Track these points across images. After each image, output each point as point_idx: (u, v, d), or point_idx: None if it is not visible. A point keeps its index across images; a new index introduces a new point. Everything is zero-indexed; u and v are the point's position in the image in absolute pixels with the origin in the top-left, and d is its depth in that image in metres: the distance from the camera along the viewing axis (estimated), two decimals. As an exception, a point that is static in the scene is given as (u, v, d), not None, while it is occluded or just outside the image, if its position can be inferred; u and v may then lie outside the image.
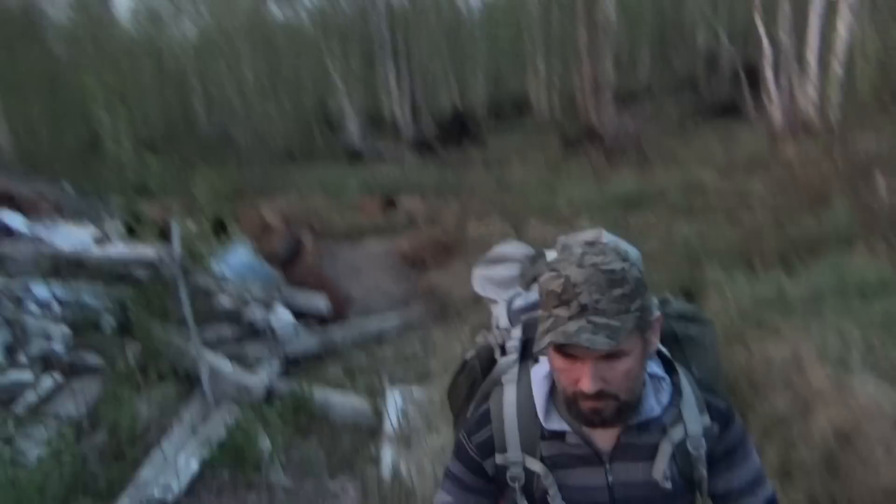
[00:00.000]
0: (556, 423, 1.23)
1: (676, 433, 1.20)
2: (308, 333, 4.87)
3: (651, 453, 1.20)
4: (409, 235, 7.81)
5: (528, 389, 1.26)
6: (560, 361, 1.12)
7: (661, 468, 1.19)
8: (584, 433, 1.21)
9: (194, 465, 2.90)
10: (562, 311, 1.08)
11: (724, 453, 1.23)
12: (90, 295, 4.12)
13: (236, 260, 4.99)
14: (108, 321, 4.06)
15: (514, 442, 1.25)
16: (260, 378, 3.79)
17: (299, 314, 5.01)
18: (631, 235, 5.54)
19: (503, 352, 1.37)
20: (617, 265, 1.09)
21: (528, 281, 1.49)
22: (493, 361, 1.40)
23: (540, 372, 1.25)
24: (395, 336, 5.29)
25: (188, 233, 5.35)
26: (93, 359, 3.66)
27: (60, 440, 2.81)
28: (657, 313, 1.17)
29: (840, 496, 3.05)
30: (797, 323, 4.31)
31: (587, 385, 1.08)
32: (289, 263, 6.38)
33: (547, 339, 1.07)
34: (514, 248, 1.61)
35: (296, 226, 8.20)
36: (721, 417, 1.24)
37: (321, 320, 5.27)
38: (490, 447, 1.26)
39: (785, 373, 3.96)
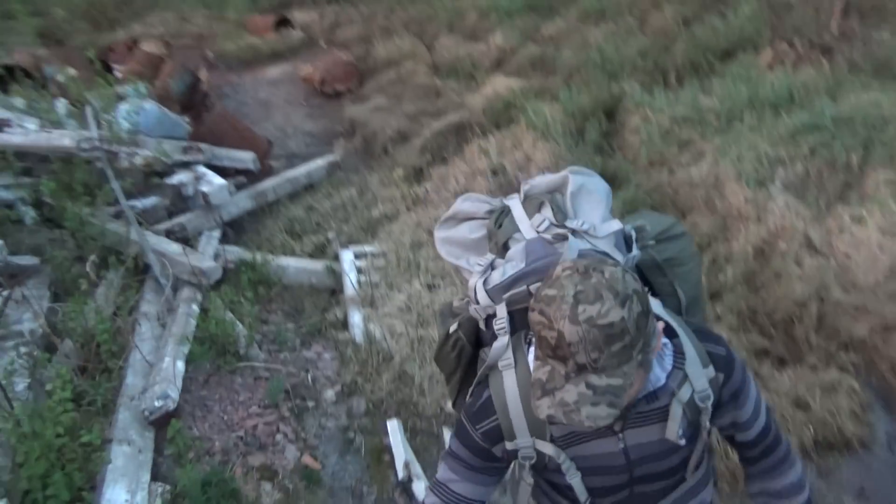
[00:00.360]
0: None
1: (684, 393, 1.21)
2: (240, 193, 4.70)
3: (662, 415, 1.22)
4: (313, 59, 7.28)
5: (526, 375, 1.22)
6: None
7: (674, 430, 1.21)
8: None
9: (181, 367, 2.93)
10: (558, 366, 1.03)
11: (730, 396, 1.29)
12: (-4, 186, 3.74)
13: (145, 118, 4.55)
14: (29, 213, 3.74)
15: (521, 428, 1.24)
16: (213, 260, 3.70)
17: (223, 171, 4.77)
18: (545, 45, 5.44)
19: (486, 325, 1.34)
20: (615, 315, 1.00)
21: (498, 244, 1.39)
22: (478, 332, 1.39)
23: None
24: (326, 181, 5.20)
25: (72, 82, 4.74)
26: (29, 260, 3.43)
27: (32, 364, 2.73)
28: (660, 324, 1.14)
29: (760, 310, 3.54)
30: (715, 141, 4.58)
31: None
32: (189, 105, 5.88)
33: (546, 410, 1.03)
34: (473, 204, 1.49)
35: (185, 55, 7.41)
36: (724, 365, 1.27)
37: (246, 173, 5.06)
38: (498, 435, 1.25)
39: (706, 194, 4.31)
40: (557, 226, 1.33)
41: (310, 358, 3.51)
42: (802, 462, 1.43)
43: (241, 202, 4.64)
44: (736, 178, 4.22)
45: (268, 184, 4.95)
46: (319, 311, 3.84)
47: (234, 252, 4.01)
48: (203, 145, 4.68)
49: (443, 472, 1.34)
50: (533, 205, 1.39)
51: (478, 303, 1.33)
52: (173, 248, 3.69)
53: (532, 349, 1.21)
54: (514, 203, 1.42)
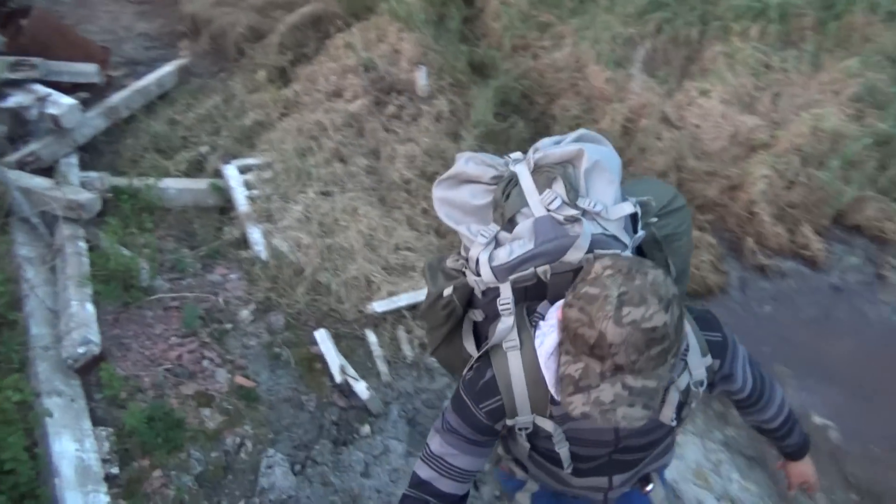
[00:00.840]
0: None
1: (682, 381, 1.26)
2: (89, 112, 4.25)
3: None
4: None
5: (532, 356, 1.24)
6: None
7: (668, 415, 1.27)
8: None
9: (91, 308, 2.78)
10: (594, 364, 1.04)
11: (722, 377, 1.38)
12: None
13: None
14: None
15: (524, 407, 1.26)
16: (89, 192, 3.41)
17: (58, 87, 4.26)
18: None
19: (483, 294, 1.35)
20: (659, 320, 1.01)
21: (504, 217, 1.34)
22: (471, 297, 1.39)
23: (546, 349, 1.22)
24: (183, 90, 4.82)
25: None
26: None
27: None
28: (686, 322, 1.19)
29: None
30: (572, 23, 4.79)
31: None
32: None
33: (580, 408, 1.04)
34: (477, 167, 1.41)
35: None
36: (720, 351, 1.34)
37: (86, 88, 4.55)
38: (501, 414, 1.28)
39: (570, 77, 4.56)
40: (569, 205, 1.28)
41: (216, 281, 3.44)
42: (780, 384, 1.61)
43: (94, 122, 4.20)
44: (595, 60, 4.49)
45: (116, 98, 4.49)
46: (213, 232, 3.72)
47: (106, 179, 3.70)
48: (34, 59, 4.12)
49: (439, 446, 1.35)
50: (543, 177, 1.33)
51: (478, 275, 1.31)
52: (38, 182, 3.34)
53: (538, 331, 1.24)
54: (522, 172, 1.35)
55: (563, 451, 1.31)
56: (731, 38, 4.38)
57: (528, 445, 1.35)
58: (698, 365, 1.28)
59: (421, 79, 4.49)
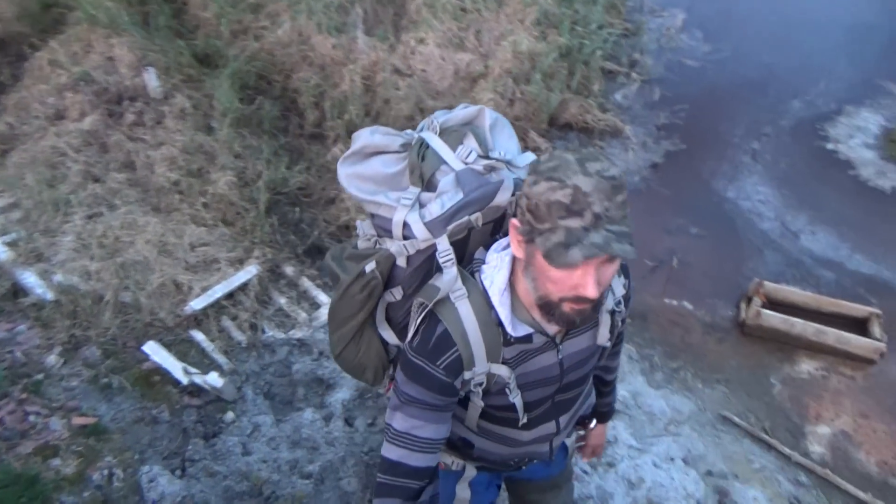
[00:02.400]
0: (522, 329, 1.30)
1: (609, 301, 1.36)
2: None
3: (592, 324, 1.37)
4: None
5: (481, 302, 1.27)
6: (556, 273, 1.14)
7: (605, 335, 1.38)
8: (544, 329, 1.30)
9: None
10: (573, 223, 1.08)
11: (627, 299, 1.45)
12: None
13: None
14: None
15: (480, 355, 1.28)
16: None
17: None
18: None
19: (407, 262, 1.35)
20: (615, 170, 1.10)
21: (424, 178, 1.35)
22: (391, 271, 1.37)
23: (499, 286, 1.27)
24: None
25: None
26: None
27: None
28: None
29: (380, 119, 4.32)
30: (283, 2, 4.98)
31: (593, 292, 1.13)
32: None
33: (579, 255, 1.07)
34: (383, 138, 1.41)
35: None
36: (627, 272, 1.45)
37: None
38: (459, 366, 1.28)
39: (299, 51, 4.79)
40: (484, 157, 1.34)
41: (4, 338, 3.14)
42: None
43: None
44: (318, 31, 4.77)
45: None
46: (-27, 290, 3.34)
47: None
48: None
49: (401, 422, 1.33)
50: (453, 136, 1.37)
51: (404, 238, 1.32)
52: None
53: (482, 275, 1.28)
54: (430, 136, 1.38)
55: (517, 400, 1.36)
56: (426, -10, 4.96)
57: (482, 404, 1.39)
58: (618, 285, 1.40)
59: (150, 81, 4.38)
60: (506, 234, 1.31)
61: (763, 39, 5.18)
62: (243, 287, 3.44)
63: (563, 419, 1.52)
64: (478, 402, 1.39)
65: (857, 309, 3.37)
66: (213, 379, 2.92)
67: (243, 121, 4.33)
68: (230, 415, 2.95)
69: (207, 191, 3.83)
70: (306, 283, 3.57)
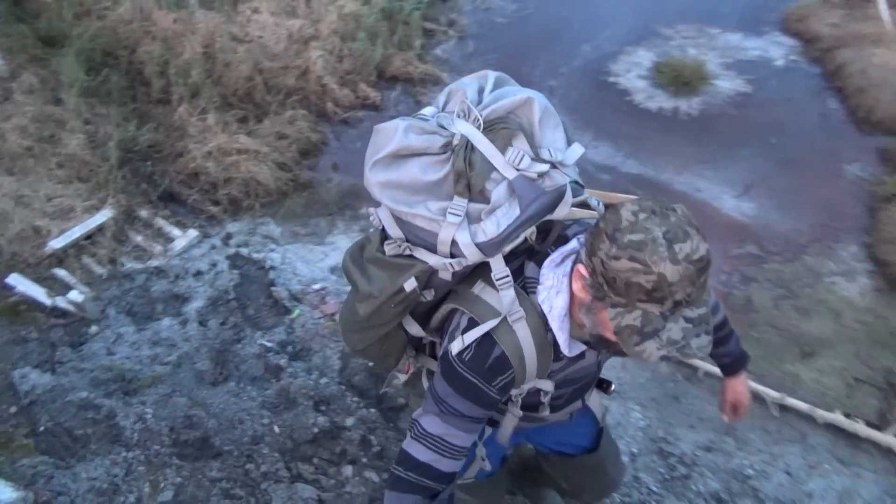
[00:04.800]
0: (577, 349, 1.29)
1: None
2: None
3: None
4: None
5: (538, 324, 1.24)
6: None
7: None
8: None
9: None
10: (652, 308, 1.05)
11: None
12: None
13: None
14: None
15: (532, 374, 1.28)
16: None
17: None
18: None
19: (452, 276, 1.29)
20: (703, 248, 1.04)
21: (473, 188, 1.22)
22: (427, 283, 1.31)
23: (558, 311, 1.23)
24: None
25: None
26: None
27: None
28: None
29: (228, 92, 4.77)
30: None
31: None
32: None
33: (657, 353, 1.05)
34: (421, 137, 1.25)
35: None
36: None
37: None
38: (511, 386, 1.28)
39: (142, 27, 5.14)
40: (536, 160, 1.23)
41: None
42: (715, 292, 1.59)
43: None
44: (158, 7, 5.15)
45: None
46: None
47: None
48: None
49: (437, 427, 1.30)
50: (500, 135, 1.24)
51: (452, 256, 1.23)
52: None
53: (538, 296, 1.24)
54: (473, 133, 1.23)
55: (546, 399, 1.38)
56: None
57: (520, 414, 1.42)
58: None
59: (-6, 61, 4.62)
60: (558, 245, 1.27)
61: (563, -2, 6.02)
62: (101, 229, 3.82)
63: (586, 395, 1.57)
64: (516, 413, 1.41)
65: (623, 197, 4.19)
66: (74, 296, 3.32)
67: (91, 91, 4.65)
68: (94, 328, 3.36)
69: (60, 153, 4.16)
70: (160, 222, 3.99)
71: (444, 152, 1.24)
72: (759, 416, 3.18)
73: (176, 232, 3.93)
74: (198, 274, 3.66)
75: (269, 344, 3.26)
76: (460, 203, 1.21)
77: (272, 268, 3.67)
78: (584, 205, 1.33)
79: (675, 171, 4.47)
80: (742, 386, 1.77)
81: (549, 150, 1.25)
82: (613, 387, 1.67)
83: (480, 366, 1.24)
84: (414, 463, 1.32)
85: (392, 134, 1.25)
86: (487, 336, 1.23)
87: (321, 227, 4.00)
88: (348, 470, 2.70)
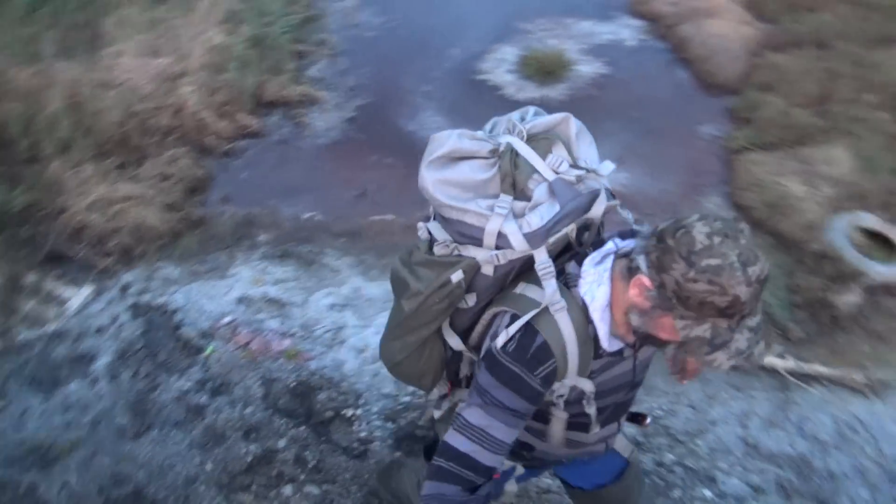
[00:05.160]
0: (615, 345, 1.35)
1: None
2: None
3: None
4: None
5: (579, 316, 1.30)
6: (674, 327, 1.18)
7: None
8: (626, 340, 1.34)
9: None
10: (720, 322, 1.13)
11: None
12: None
13: None
14: None
15: (573, 368, 1.32)
16: None
17: None
18: None
19: (494, 271, 1.37)
20: (767, 268, 1.12)
21: (517, 186, 1.35)
22: (473, 279, 1.39)
23: (600, 303, 1.30)
24: None
25: None
26: None
27: None
28: None
29: (106, 139, 4.61)
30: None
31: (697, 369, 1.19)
32: None
33: (727, 363, 1.14)
34: (471, 142, 1.40)
35: None
36: None
37: None
38: (553, 377, 1.31)
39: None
40: (573, 166, 1.37)
41: None
42: None
43: None
44: (11, 64, 4.93)
45: None
46: None
47: None
48: None
49: (479, 418, 1.34)
50: (542, 144, 1.38)
51: (497, 248, 1.33)
52: None
53: (580, 289, 1.31)
54: (517, 142, 1.38)
55: (592, 410, 1.41)
56: (119, 10, 5.34)
57: (565, 416, 1.43)
58: None
59: None
60: (596, 247, 1.35)
61: (426, 5, 6.24)
62: (-16, 303, 3.65)
63: (622, 419, 1.60)
64: (561, 415, 1.43)
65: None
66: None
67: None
68: (-4, 406, 3.22)
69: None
70: (50, 284, 3.86)
71: (492, 157, 1.38)
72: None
73: (69, 292, 3.81)
74: (100, 330, 3.57)
75: (186, 386, 3.24)
76: (506, 199, 1.33)
77: (177, 310, 3.63)
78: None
79: (553, 154, 4.75)
80: None
81: (584, 161, 1.39)
82: (649, 420, 1.74)
83: (523, 355, 1.28)
84: (455, 453, 1.35)
85: (446, 139, 1.39)
86: (529, 325, 1.29)
87: (221, 261, 3.99)
88: (288, 489, 2.75)
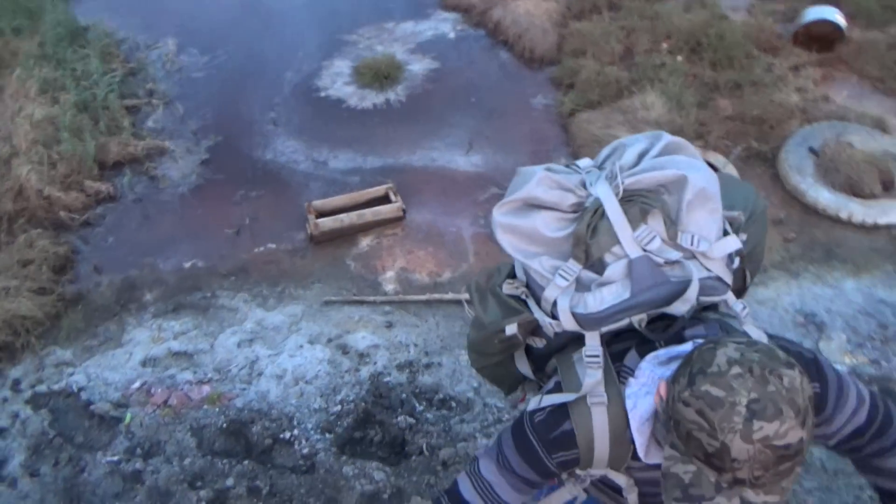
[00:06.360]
0: (657, 457, 1.12)
1: None
2: None
3: None
4: None
5: (619, 414, 1.13)
6: None
7: None
8: None
9: None
10: (708, 472, 0.92)
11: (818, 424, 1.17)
12: None
13: None
14: None
15: (602, 461, 1.18)
16: None
17: None
18: None
19: (555, 336, 1.25)
20: (794, 436, 0.87)
21: (590, 256, 1.17)
22: (534, 330, 1.30)
23: (640, 414, 1.11)
24: None
25: None
26: None
27: None
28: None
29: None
30: None
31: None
32: None
33: None
34: (554, 193, 1.22)
35: None
36: (808, 366, 1.13)
37: None
38: (573, 465, 1.20)
39: None
40: (669, 245, 1.16)
41: None
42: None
43: None
44: None
45: None
46: None
47: None
48: None
49: (489, 473, 1.27)
50: (636, 208, 1.17)
51: (553, 318, 1.21)
52: None
53: (628, 389, 1.13)
54: (609, 199, 1.16)
55: (631, 497, 1.26)
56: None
57: (584, 496, 1.34)
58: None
59: None
60: (671, 343, 1.13)
61: (245, 35, 6.29)
62: None
63: None
64: (575, 492, 1.33)
65: (378, 190, 4.65)
66: None
67: None
68: None
69: None
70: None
71: (573, 211, 1.21)
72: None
73: (-48, 403, 3.57)
74: (2, 432, 3.40)
75: (114, 458, 3.19)
76: (573, 268, 1.17)
77: (81, 389, 3.53)
78: (715, 307, 1.22)
79: (408, 152, 5.04)
80: None
81: (692, 237, 1.15)
82: None
83: (546, 434, 1.18)
84: (458, 498, 1.30)
85: (528, 178, 1.24)
86: (563, 408, 1.16)
87: (112, 331, 3.90)
88: (248, 521, 2.82)
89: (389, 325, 3.90)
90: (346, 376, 3.58)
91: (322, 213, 4.48)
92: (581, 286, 1.17)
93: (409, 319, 3.93)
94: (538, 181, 1.21)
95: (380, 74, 5.65)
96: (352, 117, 5.38)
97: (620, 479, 1.20)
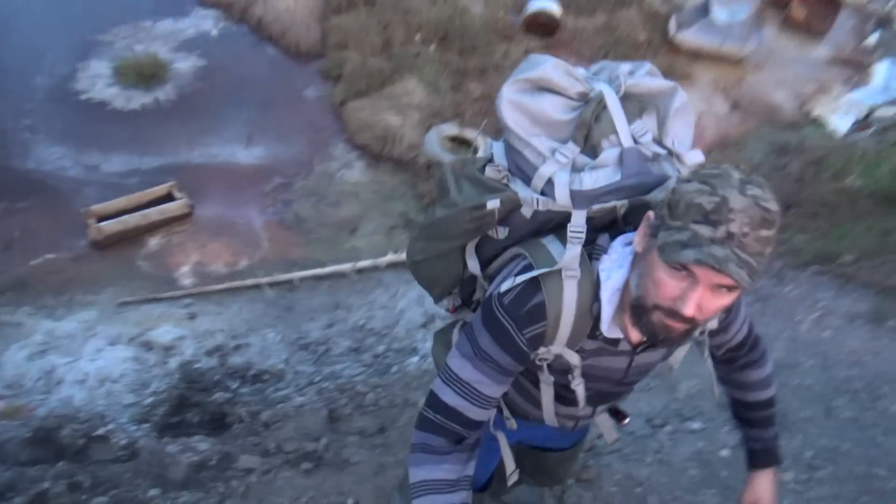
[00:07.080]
0: (615, 332, 1.24)
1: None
2: None
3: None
4: None
5: (587, 290, 1.21)
6: (666, 275, 1.08)
7: (679, 358, 1.36)
8: (628, 335, 1.23)
9: None
10: (703, 230, 1.02)
11: (722, 327, 1.40)
12: None
13: None
14: None
15: (563, 337, 1.25)
16: None
17: None
18: None
19: (532, 216, 1.29)
20: (773, 206, 1.03)
21: (590, 141, 1.25)
22: (508, 214, 1.31)
23: (613, 284, 1.21)
24: None
25: None
26: None
27: None
28: None
29: None
30: None
31: (689, 309, 1.06)
32: None
33: (691, 256, 1.02)
34: (565, 78, 1.28)
35: None
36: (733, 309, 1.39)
37: None
38: (540, 341, 1.25)
39: None
40: (657, 142, 1.27)
41: None
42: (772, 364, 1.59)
43: None
44: None
45: None
46: None
47: None
48: None
49: (469, 373, 1.30)
50: (634, 105, 1.29)
51: (542, 194, 1.25)
52: None
53: (601, 264, 1.22)
54: (611, 96, 1.26)
55: (579, 388, 1.34)
56: None
57: (552, 382, 1.38)
58: (714, 318, 1.32)
59: None
60: (636, 228, 1.22)
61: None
62: None
63: (600, 408, 1.53)
64: (548, 381, 1.38)
65: (160, 189, 4.67)
66: None
67: None
68: None
69: None
70: None
71: (579, 100, 1.28)
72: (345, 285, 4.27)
73: None
74: None
75: None
76: (572, 148, 1.24)
77: None
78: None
79: (187, 150, 5.08)
80: (767, 486, 1.63)
81: (672, 141, 1.28)
82: (627, 420, 1.66)
83: (518, 309, 1.23)
84: (442, 406, 1.33)
85: (541, 63, 1.29)
86: (535, 281, 1.22)
87: None
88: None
89: (192, 317, 4.01)
90: (154, 370, 3.66)
91: (103, 217, 4.40)
92: (575, 167, 1.24)
93: (212, 308, 4.08)
94: (554, 65, 1.28)
95: (144, 74, 5.56)
96: (121, 119, 5.26)
97: (573, 357, 1.28)
